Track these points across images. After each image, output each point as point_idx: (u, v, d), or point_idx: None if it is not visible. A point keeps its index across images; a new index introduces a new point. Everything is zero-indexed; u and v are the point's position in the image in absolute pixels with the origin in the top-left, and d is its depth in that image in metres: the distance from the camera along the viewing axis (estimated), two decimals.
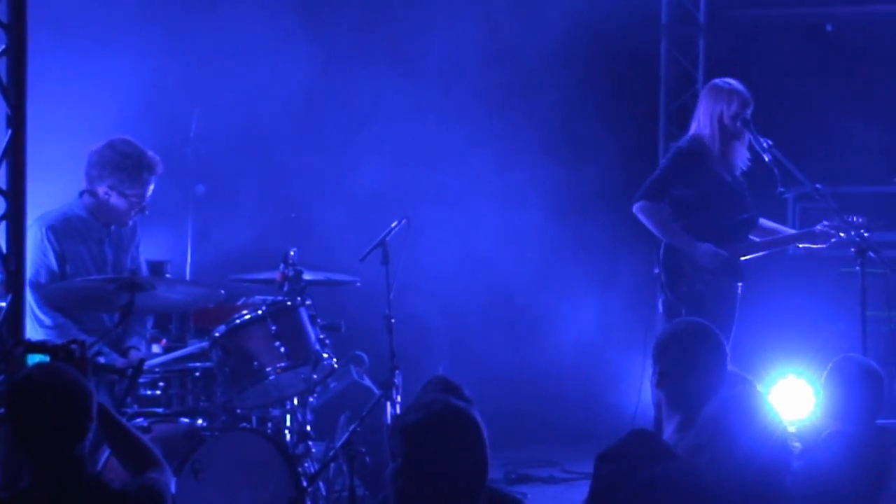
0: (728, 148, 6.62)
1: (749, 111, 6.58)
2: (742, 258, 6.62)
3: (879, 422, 4.84)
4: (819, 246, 6.62)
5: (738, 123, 6.56)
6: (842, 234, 6.50)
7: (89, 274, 5.83)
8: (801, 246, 6.74)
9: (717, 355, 4.38)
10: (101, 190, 5.92)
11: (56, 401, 3.77)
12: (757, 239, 6.72)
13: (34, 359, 4.45)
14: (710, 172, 6.58)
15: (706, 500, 3.80)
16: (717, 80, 6.74)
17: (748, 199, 6.71)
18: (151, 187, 5.99)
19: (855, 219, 6.48)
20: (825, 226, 6.57)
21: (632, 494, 3.62)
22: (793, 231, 6.77)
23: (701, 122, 6.66)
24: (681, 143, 6.75)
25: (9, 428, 3.85)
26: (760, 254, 6.69)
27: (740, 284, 6.63)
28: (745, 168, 6.70)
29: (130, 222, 6.08)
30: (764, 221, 6.76)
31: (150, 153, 5.97)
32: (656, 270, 6.69)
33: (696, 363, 4.32)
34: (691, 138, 6.68)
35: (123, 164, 5.90)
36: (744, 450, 3.91)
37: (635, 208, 6.58)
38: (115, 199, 5.93)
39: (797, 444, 4.25)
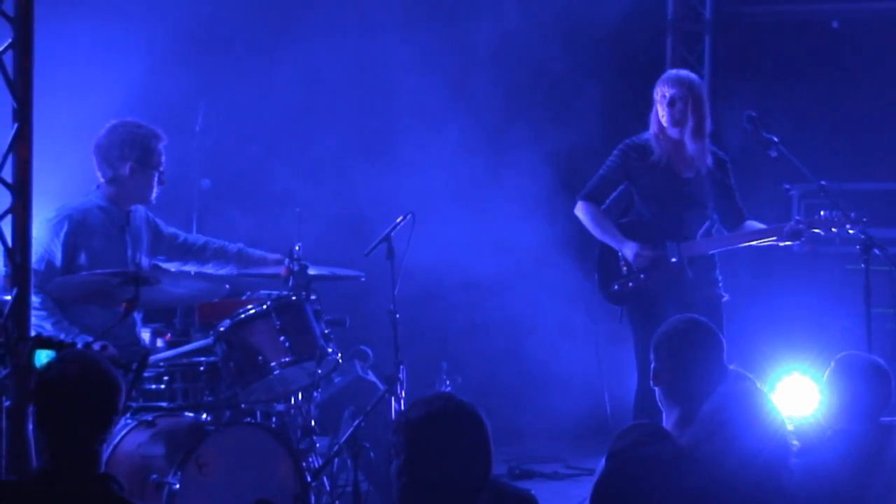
0: (668, 140, 6.59)
1: (671, 95, 6.51)
2: (705, 253, 6.55)
3: (884, 419, 4.83)
4: (787, 242, 6.53)
5: (672, 114, 6.51)
6: (816, 231, 6.44)
7: (106, 267, 5.82)
8: (780, 244, 6.61)
9: (712, 353, 4.37)
10: (126, 168, 5.99)
11: (89, 390, 3.77)
12: (726, 233, 6.69)
13: (41, 354, 4.45)
14: (652, 168, 6.59)
15: (707, 498, 3.79)
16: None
17: (704, 196, 6.61)
18: (164, 158, 6.12)
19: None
20: (796, 222, 6.52)
21: (634, 491, 3.62)
22: (762, 226, 6.68)
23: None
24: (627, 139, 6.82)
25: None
26: (723, 249, 6.65)
27: (720, 283, 6.60)
28: (710, 165, 6.59)
29: (153, 196, 6.12)
30: (751, 223, 6.67)
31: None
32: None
33: (687, 360, 4.32)
34: (640, 135, 6.73)
35: (139, 138, 6.02)
36: (745, 447, 3.91)
37: (575, 208, 6.74)
38: (139, 174, 6.01)
39: (796, 443, 4.24)
